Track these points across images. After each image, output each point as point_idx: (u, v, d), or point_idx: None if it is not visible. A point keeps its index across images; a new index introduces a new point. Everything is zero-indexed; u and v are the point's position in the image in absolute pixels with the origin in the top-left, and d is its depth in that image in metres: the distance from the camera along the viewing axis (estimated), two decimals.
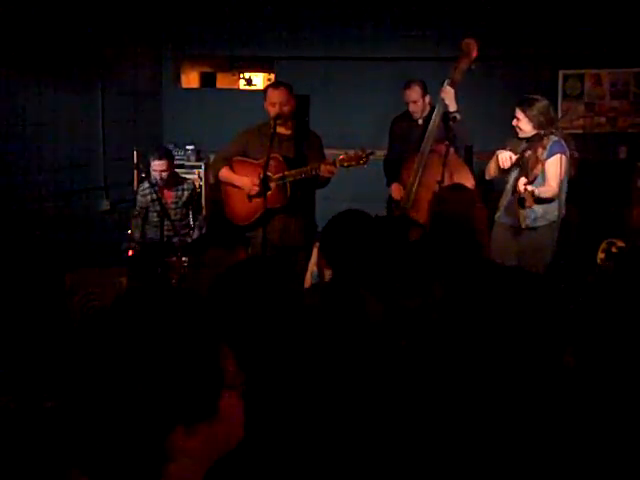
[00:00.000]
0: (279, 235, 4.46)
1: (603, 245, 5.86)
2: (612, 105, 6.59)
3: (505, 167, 4.35)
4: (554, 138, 4.35)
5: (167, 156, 5.30)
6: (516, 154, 4.38)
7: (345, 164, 4.22)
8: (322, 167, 4.22)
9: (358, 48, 6.81)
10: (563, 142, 4.38)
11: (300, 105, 6.77)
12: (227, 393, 1.03)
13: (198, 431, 0.99)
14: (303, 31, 6.95)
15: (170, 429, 0.98)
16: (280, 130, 4.36)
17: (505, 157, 4.35)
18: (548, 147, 4.32)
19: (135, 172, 6.13)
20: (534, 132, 4.37)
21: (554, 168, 4.29)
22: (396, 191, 4.88)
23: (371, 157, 4.26)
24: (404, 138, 5.04)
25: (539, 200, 4.26)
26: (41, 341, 3.80)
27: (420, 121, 5.04)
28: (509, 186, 4.50)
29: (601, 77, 6.61)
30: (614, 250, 5.79)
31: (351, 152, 4.25)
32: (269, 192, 4.27)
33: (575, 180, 4.64)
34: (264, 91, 4.52)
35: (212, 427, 1.01)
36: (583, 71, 6.64)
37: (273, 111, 4.34)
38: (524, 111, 4.39)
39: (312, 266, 6.54)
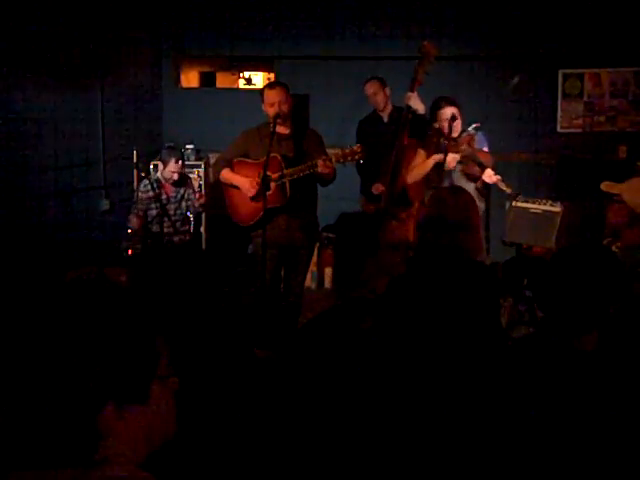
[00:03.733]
0: (284, 235, 4.47)
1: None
2: (612, 104, 6.59)
3: (452, 168, 4.47)
4: (478, 132, 4.59)
5: (182, 158, 5.51)
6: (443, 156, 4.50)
7: (341, 160, 4.26)
8: (319, 163, 4.23)
9: (358, 48, 6.81)
10: (484, 134, 4.63)
11: (300, 105, 6.79)
12: (158, 383, 1.10)
13: (128, 413, 1.07)
14: (303, 31, 6.95)
15: (101, 406, 1.05)
16: (279, 129, 4.37)
17: (453, 157, 4.46)
18: (477, 139, 4.53)
19: (135, 172, 6.14)
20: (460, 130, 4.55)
21: None
22: (377, 190, 5.00)
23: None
24: (373, 138, 5.15)
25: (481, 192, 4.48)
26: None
27: (385, 119, 5.23)
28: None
29: (601, 76, 6.61)
30: (614, 249, 5.79)
31: (347, 148, 4.30)
32: (269, 192, 4.28)
33: (575, 179, 4.69)
34: (261, 92, 4.52)
35: (142, 413, 1.08)
36: (583, 70, 6.64)
37: (272, 111, 4.35)
38: (460, 110, 4.53)
39: (312, 266, 6.57)
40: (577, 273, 1.78)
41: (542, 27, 6.46)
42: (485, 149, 4.55)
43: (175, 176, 5.40)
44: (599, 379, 1.68)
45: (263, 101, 4.44)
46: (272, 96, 4.38)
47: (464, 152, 4.42)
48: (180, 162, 5.40)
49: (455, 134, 4.52)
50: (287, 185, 4.35)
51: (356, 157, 4.27)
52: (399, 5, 6.74)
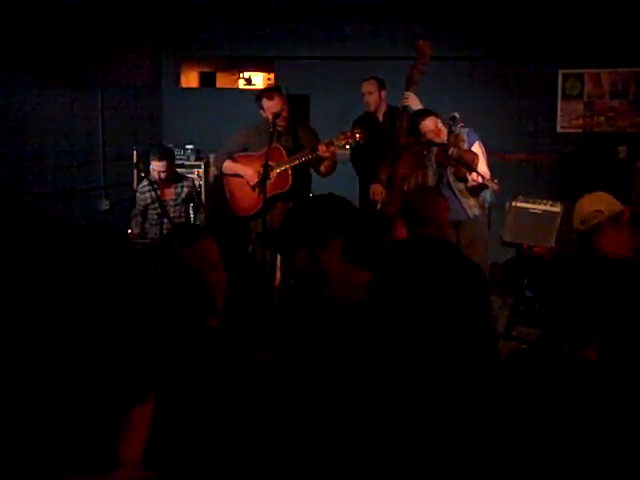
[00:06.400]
0: (280, 222, 4.59)
1: None
2: (612, 105, 6.59)
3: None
4: (465, 130, 4.62)
5: (167, 157, 5.28)
6: (436, 163, 4.61)
7: (342, 142, 4.53)
8: (320, 148, 4.51)
9: (358, 48, 6.81)
10: (473, 130, 4.67)
11: (300, 105, 6.79)
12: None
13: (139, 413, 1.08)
14: (303, 31, 6.95)
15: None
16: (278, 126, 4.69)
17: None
18: (466, 139, 4.59)
19: (135, 172, 6.13)
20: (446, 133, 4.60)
21: (479, 154, 4.56)
22: (376, 192, 4.95)
23: None
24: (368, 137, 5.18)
25: (473, 190, 4.56)
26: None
27: (380, 118, 5.26)
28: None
29: (601, 77, 6.61)
30: None
31: (347, 131, 4.58)
32: (271, 180, 4.58)
33: (575, 179, 4.70)
34: (258, 98, 4.79)
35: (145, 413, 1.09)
36: (583, 71, 6.64)
37: (274, 113, 4.66)
38: (438, 116, 4.63)
39: None
40: (579, 284, 1.77)
41: (542, 27, 6.47)
42: (476, 145, 4.59)
43: (162, 175, 5.22)
44: (602, 389, 1.67)
45: (262, 108, 4.74)
46: (272, 106, 4.67)
47: (453, 155, 4.46)
48: (164, 161, 5.18)
49: (444, 138, 4.57)
50: (289, 172, 4.66)
51: (357, 137, 4.51)
52: (399, 5, 6.73)
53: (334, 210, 1.87)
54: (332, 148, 4.54)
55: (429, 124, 4.58)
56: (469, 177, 4.50)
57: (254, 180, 4.74)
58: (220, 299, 2.08)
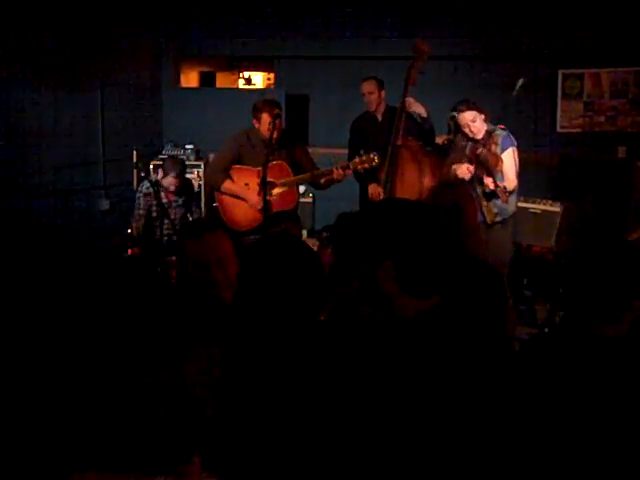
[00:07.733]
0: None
1: None
2: (611, 104, 6.59)
3: (467, 179, 4.36)
4: (502, 133, 4.45)
5: (182, 174, 5.23)
6: (468, 159, 4.43)
7: (359, 167, 4.43)
8: (335, 171, 4.40)
9: (358, 48, 6.81)
10: (511, 135, 4.47)
11: (300, 105, 6.80)
12: None
13: None
14: (303, 31, 6.95)
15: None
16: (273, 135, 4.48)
17: (464, 171, 4.38)
18: (500, 142, 4.40)
19: (135, 172, 6.13)
20: (484, 131, 4.44)
21: (509, 161, 4.38)
22: (374, 193, 4.94)
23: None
24: (367, 137, 5.15)
25: (487, 194, 4.37)
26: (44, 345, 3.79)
27: (380, 118, 5.19)
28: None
29: (600, 76, 6.61)
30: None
31: (363, 156, 4.45)
32: (275, 197, 4.44)
33: (575, 179, 4.69)
34: (260, 109, 4.53)
35: None
36: (582, 70, 6.64)
37: (269, 130, 4.44)
38: (480, 111, 4.43)
39: None
40: (603, 266, 1.76)
41: (542, 27, 6.46)
42: (509, 151, 4.40)
43: (172, 188, 5.24)
44: (628, 365, 1.67)
45: (259, 119, 4.49)
46: (273, 118, 4.42)
47: (481, 155, 4.35)
48: (178, 179, 5.15)
49: (479, 135, 4.42)
50: (295, 190, 4.55)
51: (373, 163, 4.42)
52: (399, 5, 6.74)
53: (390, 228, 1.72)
54: (348, 172, 4.45)
55: (467, 117, 4.39)
56: (485, 181, 4.34)
57: (260, 205, 4.49)
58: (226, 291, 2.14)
